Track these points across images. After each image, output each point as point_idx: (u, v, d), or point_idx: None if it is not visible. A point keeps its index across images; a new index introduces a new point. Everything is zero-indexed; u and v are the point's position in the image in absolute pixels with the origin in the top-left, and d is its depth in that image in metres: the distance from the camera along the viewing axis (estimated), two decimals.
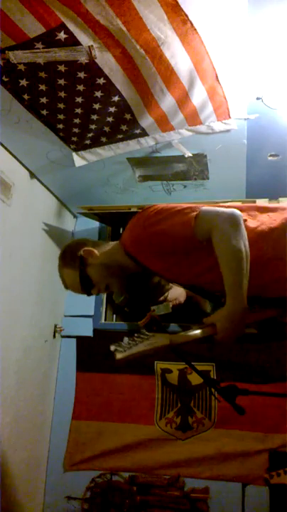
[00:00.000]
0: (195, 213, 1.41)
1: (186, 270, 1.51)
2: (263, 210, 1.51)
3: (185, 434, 3.15)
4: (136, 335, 1.45)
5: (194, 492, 3.01)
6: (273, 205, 1.57)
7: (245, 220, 1.43)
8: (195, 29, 1.78)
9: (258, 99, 2.20)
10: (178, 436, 3.15)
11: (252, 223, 1.44)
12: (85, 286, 1.63)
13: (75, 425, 3.31)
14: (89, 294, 1.67)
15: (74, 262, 1.63)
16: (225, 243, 1.33)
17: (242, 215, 1.39)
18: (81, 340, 3.50)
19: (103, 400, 3.33)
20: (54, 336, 3.42)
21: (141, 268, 1.63)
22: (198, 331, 1.47)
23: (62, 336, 3.53)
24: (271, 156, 2.70)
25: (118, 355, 1.42)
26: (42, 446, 3.22)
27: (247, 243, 1.33)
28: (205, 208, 1.44)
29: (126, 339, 1.45)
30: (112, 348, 1.44)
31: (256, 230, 1.43)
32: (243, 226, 1.36)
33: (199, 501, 2.98)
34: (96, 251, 1.65)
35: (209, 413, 3.15)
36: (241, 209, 1.46)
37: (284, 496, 2.84)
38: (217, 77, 2.07)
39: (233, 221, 1.35)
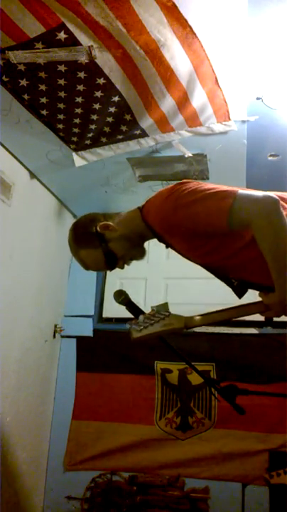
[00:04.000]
0: (230, 200, 1.31)
1: (209, 253, 1.47)
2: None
3: (185, 434, 3.15)
4: (151, 313, 1.43)
5: (194, 492, 3.01)
6: None
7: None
8: (195, 33, 1.79)
9: (258, 99, 2.20)
10: (178, 436, 3.15)
11: None
12: (110, 263, 1.54)
13: (75, 425, 3.31)
14: (112, 268, 1.58)
15: (91, 241, 1.52)
16: (269, 237, 1.28)
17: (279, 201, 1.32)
18: (81, 340, 3.50)
19: (103, 400, 3.33)
20: (54, 336, 3.42)
21: (158, 239, 1.56)
22: (205, 316, 1.45)
23: (62, 336, 3.53)
24: (271, 156, 2.70)
25: (135, 334, 1.41)
26: (42, 446, 3.22)
27: None
28: (241, 193, 1.33)
29: (141, 317, 1.43)
30: (128, 326, 1.43)
31: None
32: (282, 210, 1.29)
33: (199, 501, 2.98)
34: (111, 223, 1.54)
35: (209, 413, 3.15)
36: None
37: (284, 496, 2.84)
38: (216, 80, 2.08)
39: (272, 210, 1.28)
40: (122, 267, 1.59)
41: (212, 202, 1.34)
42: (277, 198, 1.30)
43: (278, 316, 1.41)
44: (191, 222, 1.38)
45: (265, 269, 1.33)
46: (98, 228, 1.53)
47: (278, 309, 1.37)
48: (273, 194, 1.32)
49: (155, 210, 1.46)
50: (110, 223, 1.53)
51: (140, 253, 1.59)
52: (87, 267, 1.59)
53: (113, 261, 1.54)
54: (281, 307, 1.36)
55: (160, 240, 1.57)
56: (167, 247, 1.60)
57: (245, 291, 1.58)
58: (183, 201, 1.37)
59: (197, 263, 1.59)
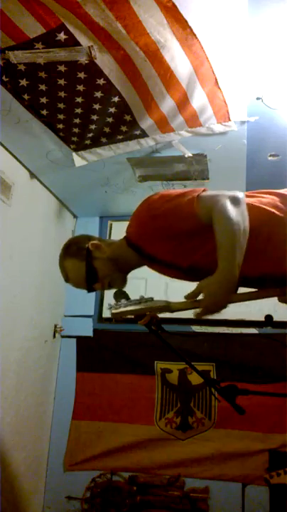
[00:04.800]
0: (196, 193, 1.44)
1: (191, 251, 1.51)
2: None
3: (185, 434, 3.15)
4: (134, 299, 1.51)
5: (194, 492, 3.01)
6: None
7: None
8: (195, 34, 1.79)
9: (258, 99, 2.20)
10: (178, 436, 3.15)
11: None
12: (90, 280, 1.59)
13: (75, 425, 3.32)
14: (90, 289, 1.62)
15: (79, 254, 1.60)
16: (222, 215, 1.34)
17: (245, 196, 1.41)
18: (81, 340, 3.51)
19: (103, 400, 3.33)
20: (54, 336, 3.42)
21: (144, 260, 1.61)
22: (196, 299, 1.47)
23: (62, 336, 3.53)
24: (271, 156, 2.70)
25: (114, 311, 1.49)
26: (42, 446, 3.23)
27: (247, 222, 1.33)
28: (208, 191, 1.47)
29: (123, 300, 1.53)
30: (108, 305, 1.53)
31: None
32: (244, 206, 1.37)
33: (199, 501, 2.98)
34: (103, 245, 1.63)
35: (209, 413, 3.16)
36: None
37: (284, 496, 2.84)
38: (216, 81, 2.08)
39: (234, 199, 1.37)
40: (100, 289, 1.65)
41: (182, 198, 1.46)
42: (241, 194, 1.40)
43: (207, 306, 1.33)
44: (165, 219, 1.46)
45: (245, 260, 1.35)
46: (89, 245, 1.62)
47: (208, 293, 1.32)
48: (239, 192, 1.40)
49: (133, 222, 1.57)
50: (101, 244, 1.63)
51: (121, 280, 1.66)
52: (66, 279, 1.65)
53: (93, 278, 1.60)
54: (213, 290, 1.30)
55: (145, 259, 1.61)
56: (151, 261, 1.62)
57: None
58: (156, 204, 1.48)
59: (181, 271, 1.61)
